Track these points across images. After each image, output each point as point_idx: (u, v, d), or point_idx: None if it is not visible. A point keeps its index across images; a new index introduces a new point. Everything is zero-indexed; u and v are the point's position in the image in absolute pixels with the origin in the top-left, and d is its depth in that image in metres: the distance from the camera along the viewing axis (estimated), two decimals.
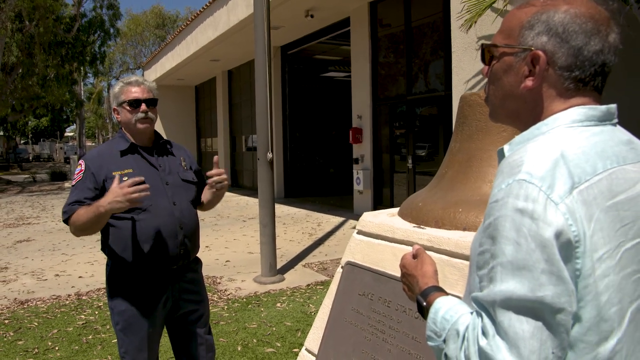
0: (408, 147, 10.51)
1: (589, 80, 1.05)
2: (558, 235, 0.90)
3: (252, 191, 17.14)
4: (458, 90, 6.40)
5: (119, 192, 2.22)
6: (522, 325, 0.88)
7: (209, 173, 2.56)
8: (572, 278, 0.91)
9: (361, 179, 11.39)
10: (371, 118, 11.38)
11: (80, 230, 2.42)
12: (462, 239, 1.88)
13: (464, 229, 2.00)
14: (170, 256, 2.50)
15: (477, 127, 2.23)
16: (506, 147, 1.10)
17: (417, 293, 1.22)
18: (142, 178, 2.29)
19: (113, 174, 2.43)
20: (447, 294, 1.16)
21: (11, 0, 20.48)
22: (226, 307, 5.43)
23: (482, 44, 1.16)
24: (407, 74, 10.49)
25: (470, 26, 5.43)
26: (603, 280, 0.93)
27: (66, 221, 2.45)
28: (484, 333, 0.92)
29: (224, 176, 2.59)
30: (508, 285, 0.91)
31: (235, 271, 7.00)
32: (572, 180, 0.94)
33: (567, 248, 0.90)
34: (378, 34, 11.23)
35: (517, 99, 1.11)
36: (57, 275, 7.04)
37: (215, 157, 2.63)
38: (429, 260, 1.29)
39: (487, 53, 1.16)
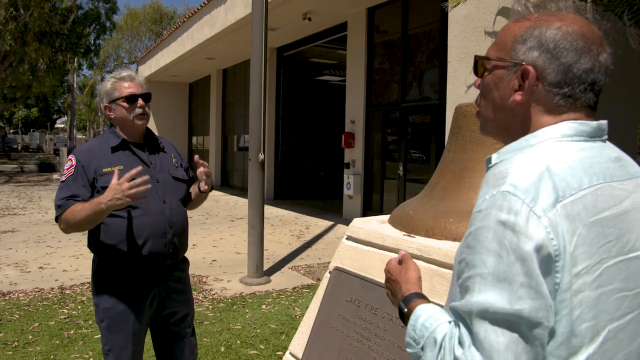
0: (400, 154, 10.53)
1: (579, 97, 1.05)
2: (538, 249, 0.90)
3: (242, 191, 17.11)
4: (452, 99, 6.42)
5: (117, 188, 2.20)
6: (498, 337, 0.88)
7: (199, 162, 2.59)
8: (551, 292, 0.91)
9: (351, 184, 11.39)
10: (364, 123, 11.40)
11: (74, 227, 2.36)
12: (452, 250, 1.88)
13: (454, 240, 2.00)
14: (158, 255, 2.46)
15: (471, 138, 2.23)
16: (494, 156, 1.10)
17: (399, 299, 1.22)
18: (140, 168, 2.27)
19: (103, 170, 2.39)
20: (429, 301, 1.16)
21: None
22: (211, 307, 5.40)
23: (475, 56, 1.16)
24: (402, 81, 10.52)
25: (456, 5, 5.34)
26: (577, 295, 0.93)
27: (57, 218, 2.39)
28: (460, 343, 0.93)
29: (208, 170, 2.62)
30: (487, 297, 0.91)
31: (222, 271, 6.97)
32: (557, 194, 0.94)
33: (547, 262, 0.90)
34: (374, 40, 11.26)
35: (506, 112, 1.11)
36: (41, 267, 6.97)
37: (196, 156, 2.62)
38: (414, 266, 1.29)
39: (480, 65, 1.16)
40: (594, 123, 1.06)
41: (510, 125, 1.11)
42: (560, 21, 1.05)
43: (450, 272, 1.85)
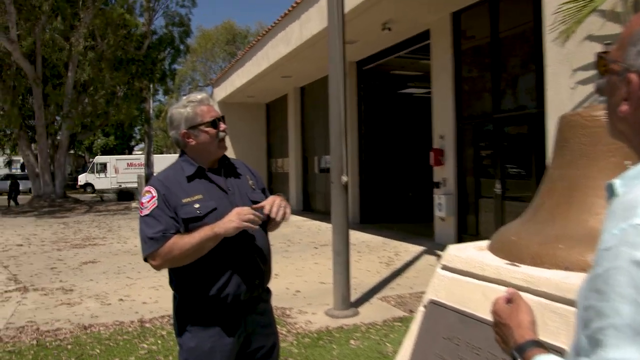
0: (496, 170, 10.23)
1: None
2: None
3: (325, 215, 17.17)
4: (553, 107, 6.17)
5: (232, 213, 2.30)
6: None
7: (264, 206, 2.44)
8: None
9: (443, 205, 11.17)
10: (455, 138, 11.17)
11: (177, 260, 2.35)
12: (564, 281, 1.77)
13: (566, 269, 1.88)
14: (245, 287, 2.45)
15: (580, 151, 2.11)
16: (618, 182, 1.00)
17: (512, 347, 1.14)
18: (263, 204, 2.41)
19: (183, 201, 2.40)
20: (547, 350, 1.07)
21: (86, 19, 21.79)
22: (295, 342, 5.41)
23: (597, 54, 1.09)
24: (494, 90, 10.26)
25: (567, 38, 5.23)
26: None
27: (151, 254, 2.36)
28: None
29: (276, 203, 2.44)
30: (624, 353, 0.81)
31: (306, 302, 6.99)
32: None
33: None
34: (461, 46, 11.07)
35: (621, 121, 1.02)
36: (121, 299, 7.28)
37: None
38: (526, 307, 1.20)
39: (601, 65, 1.09)
40: None
41: (628, 135, 1.03)
42: None
43: (564, 306, 1.74)
